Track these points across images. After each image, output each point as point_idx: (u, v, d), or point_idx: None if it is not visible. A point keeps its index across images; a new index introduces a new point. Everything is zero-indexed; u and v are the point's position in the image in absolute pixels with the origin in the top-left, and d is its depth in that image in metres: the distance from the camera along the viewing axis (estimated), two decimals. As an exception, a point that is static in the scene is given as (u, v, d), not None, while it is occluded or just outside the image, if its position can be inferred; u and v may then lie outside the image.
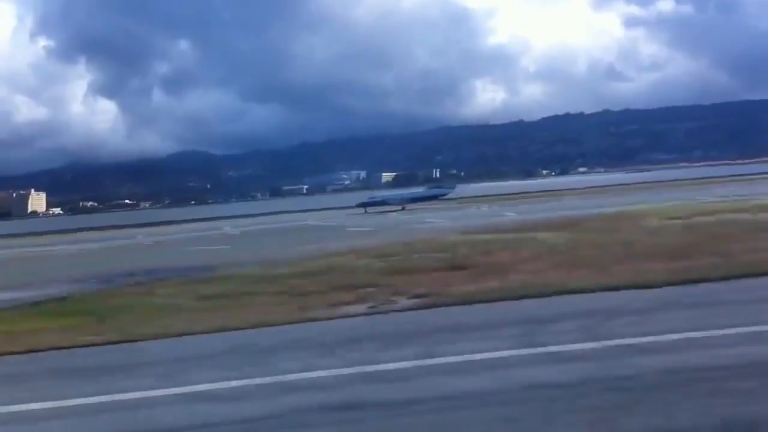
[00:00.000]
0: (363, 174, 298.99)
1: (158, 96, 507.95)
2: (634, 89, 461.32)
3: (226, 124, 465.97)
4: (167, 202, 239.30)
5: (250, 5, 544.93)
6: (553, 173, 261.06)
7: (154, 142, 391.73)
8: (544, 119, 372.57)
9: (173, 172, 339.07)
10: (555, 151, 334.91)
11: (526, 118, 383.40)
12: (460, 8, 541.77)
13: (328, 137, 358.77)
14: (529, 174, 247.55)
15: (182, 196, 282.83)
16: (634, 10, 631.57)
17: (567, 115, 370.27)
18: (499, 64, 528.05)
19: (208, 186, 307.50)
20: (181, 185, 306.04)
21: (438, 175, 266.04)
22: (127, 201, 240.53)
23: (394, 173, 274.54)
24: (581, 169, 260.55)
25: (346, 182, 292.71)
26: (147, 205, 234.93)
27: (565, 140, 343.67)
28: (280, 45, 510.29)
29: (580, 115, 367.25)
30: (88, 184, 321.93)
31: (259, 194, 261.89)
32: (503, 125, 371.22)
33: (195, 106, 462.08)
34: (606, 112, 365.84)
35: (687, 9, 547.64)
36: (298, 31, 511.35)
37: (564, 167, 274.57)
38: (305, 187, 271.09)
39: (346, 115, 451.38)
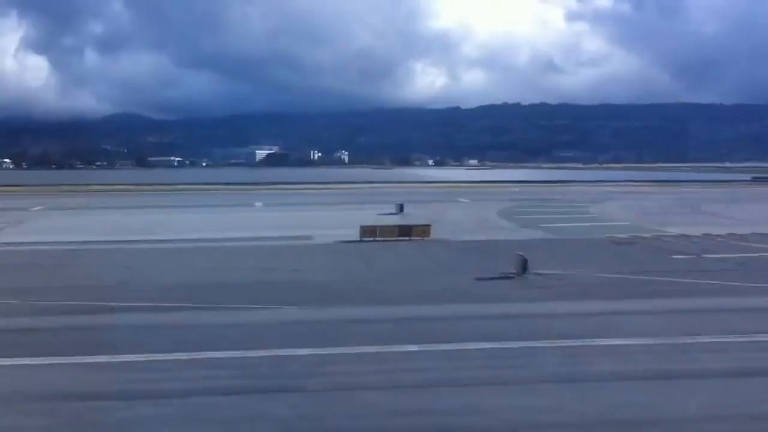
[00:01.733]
0: (275, 149, 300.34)
1: (92, 56, 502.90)
2: (575, 83, 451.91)
3: (162, 89, 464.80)
4: (24, 165, 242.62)
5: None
6: (431, 163, 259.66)
7: (89, 103, 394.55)
8: (482, 107, 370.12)
9: (106, 134, 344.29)
10: (482, 139, 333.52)
11: (464, 105, 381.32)
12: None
13: (261, 110, 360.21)
14: (405, 162, 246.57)
15: (101, 158, 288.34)
16: (573, 4, 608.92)
17: (504, 105, 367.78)
18: (441, 48, 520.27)
19: (125, 150, 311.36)
20: (97, 148, 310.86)
21: (315, 157, 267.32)
22: (6, 160, 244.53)
23: (268, 151, 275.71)
24: (471, 162, 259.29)
25: (258, 157, 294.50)
26: (11, 166, 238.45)
27: (494, 130, 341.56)
28: (217, 12, 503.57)
29: (517, 106, 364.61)
30: (21, 140, 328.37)
31: (129, 163, 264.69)
32: (439, 110, 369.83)
33: (131, 69, 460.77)
34: (543, 105, 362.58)
35: (625, 7, 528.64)
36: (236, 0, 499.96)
37: (459, 158, 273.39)
38: (177, 159, 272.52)
39: (282, 89, 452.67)
